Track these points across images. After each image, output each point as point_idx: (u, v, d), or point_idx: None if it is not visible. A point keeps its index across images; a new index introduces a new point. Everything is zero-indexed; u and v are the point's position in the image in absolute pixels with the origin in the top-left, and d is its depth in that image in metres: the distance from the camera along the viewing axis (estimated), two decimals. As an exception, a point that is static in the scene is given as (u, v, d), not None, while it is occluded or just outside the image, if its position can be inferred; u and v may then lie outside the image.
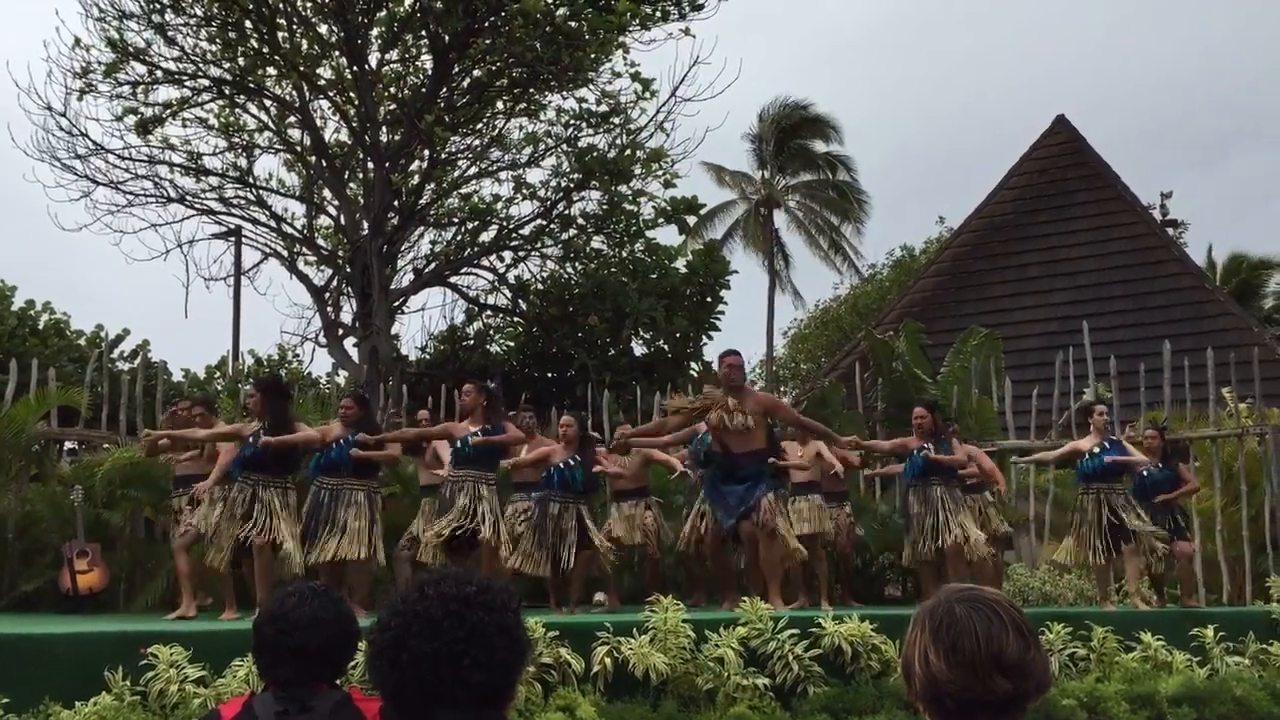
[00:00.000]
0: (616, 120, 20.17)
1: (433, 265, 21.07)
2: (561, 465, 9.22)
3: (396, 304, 20.44)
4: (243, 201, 20.77)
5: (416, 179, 20.23)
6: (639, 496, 10.46)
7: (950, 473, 9.86)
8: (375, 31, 20.17)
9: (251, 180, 20.75)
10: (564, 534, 9.05)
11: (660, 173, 20.07)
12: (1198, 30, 72.82)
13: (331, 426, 8.99)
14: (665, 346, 20.68)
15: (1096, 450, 10.31)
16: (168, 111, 19.92)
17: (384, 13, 19.81)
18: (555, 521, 9.08)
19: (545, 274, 21.47)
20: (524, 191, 20.83)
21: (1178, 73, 72.13)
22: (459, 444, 8.89)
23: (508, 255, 21.45)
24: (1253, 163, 62.26)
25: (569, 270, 21.21)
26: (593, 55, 19.33)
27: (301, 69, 19.52)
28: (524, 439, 9.58)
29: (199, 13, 19.37)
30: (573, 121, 20.40)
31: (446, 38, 19.58)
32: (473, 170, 20.95)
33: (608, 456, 10.05)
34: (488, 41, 19.39)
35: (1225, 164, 63.33)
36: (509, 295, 21.69)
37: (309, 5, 19.69)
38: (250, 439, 8.43)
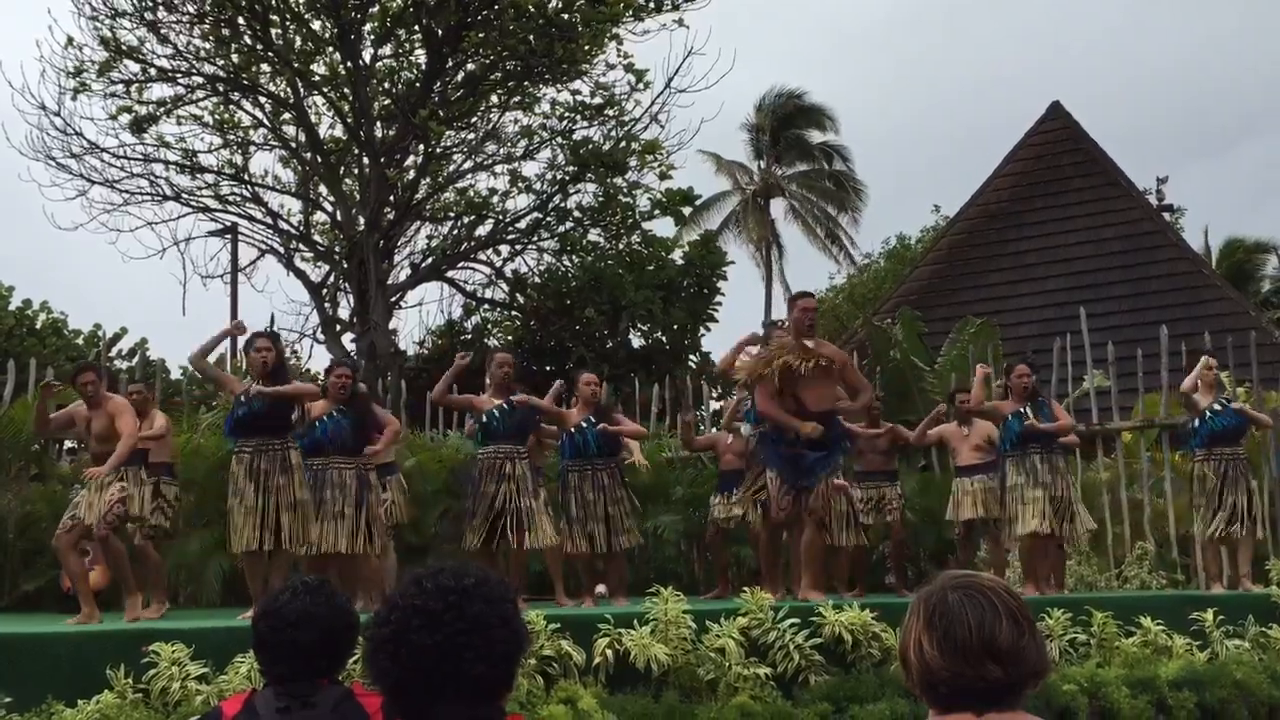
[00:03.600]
0: (611, 112, 20.17)
1: (429, 260, 21.07)
2: (573, 430, 8.66)
3: (394, 299, 20.45)
4: (238, 198, 20.78)
5: (412, 174, 20.23)
6: None
7: (1050, 438, 9.06)
8: (369, 27, 20.16)
9: (247, 177, 20.74)
10: (590, 504, 8.55)
11: (655, 164, 20.07)
12: (1199, 21, 72.77)
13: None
14: (663, 338, 20.70)
15: (1218, 408, 9.63)
16: (162, 109, 19.91)
17: (377, 8, 19.79)
18: (578, 493, 8.60)
19: (542, 267, 21.50)
20: (519, 185, 20.84)
21: (1179, 62, 72.09)
22: (485, 418, 8.31)
23: (504, 249, 21.48)
24: (1253, 152, 62.26)
25: (565, 263, 21.22)
26: (586, 47, 19.32)
27: (296, 65, 19.50)
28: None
29: (191, 10, 19.35)
30: (567, 114, 20.40)
31: (440, 32, 19.57)
32: (468, 164, 20.95)
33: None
34: (481, 35, 19.38)
35: (1227, 153, 63.34)
36: (506, 289, 21.71)
37: (302, 1, 19.66)
38: (242, 396, 7.49)
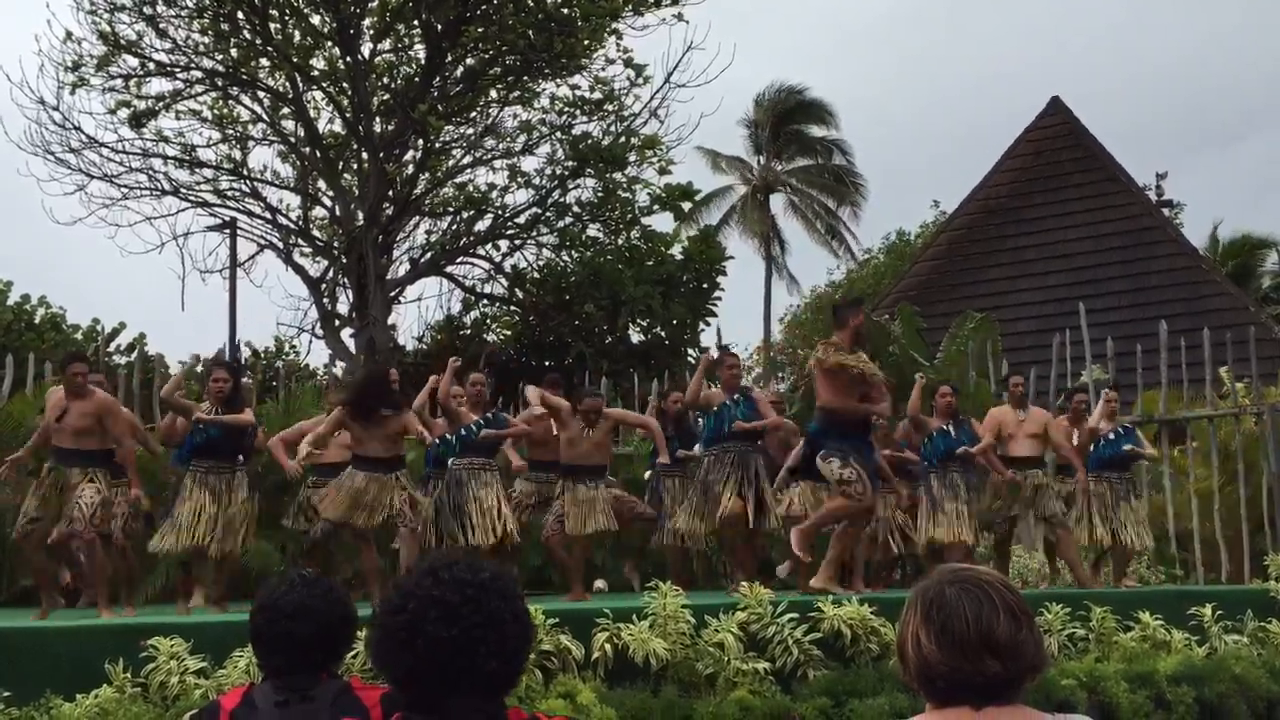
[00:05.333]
0: (610, 107, 20.16)
1: (428, 255, 21.06)
2: (463, 430, 8.79)
3: (393, 294, 20.44)
4: (237, 193, 20.78)
5: (411, 169, 20.22)
6: (597, 476, 9.12)
7: (969, 459, 9.56)
8: (368, 21, 20.14)
9: (246, 172, 20.73)
10: (467, 502, 8.53)
11: (655, 159, 20.07)
12: (1201, 17, 72.69)
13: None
14: (662, 333, 20.68)
15: (1112, 437, 10.26)
16: (161, 104, 19.89)
17: (376, 2, 19.76)
18: (458, 491, 8.60)
19: (541, 262, 21.49)
20: (519, 180, 20.83)
21: (1181, 58, 72.04)
22: (464, 431, 8.73)
23: (503, 244, 21.47)
24: (1255, 148, 62.22)
25: (565, 258, 21.20)
26: (585, 42, 19.30)
27: (294, 60, 19.48)
28: (528, 431, 9.35)
29: (190, 4, 19.33)
30: (566, 109, 20.38)
31: (439, 26, 19.55)
32: (467, 159, 20.95)
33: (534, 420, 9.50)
34: (480, 30, 19.36)
35: (1228, 149, 63.32)
36: (505, 284, 21.70)
37: (301, -5, 19.65)
38: (199, 424, 8.07)
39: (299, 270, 20.73)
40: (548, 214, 20.88)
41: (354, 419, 8.18)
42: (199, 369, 8.78)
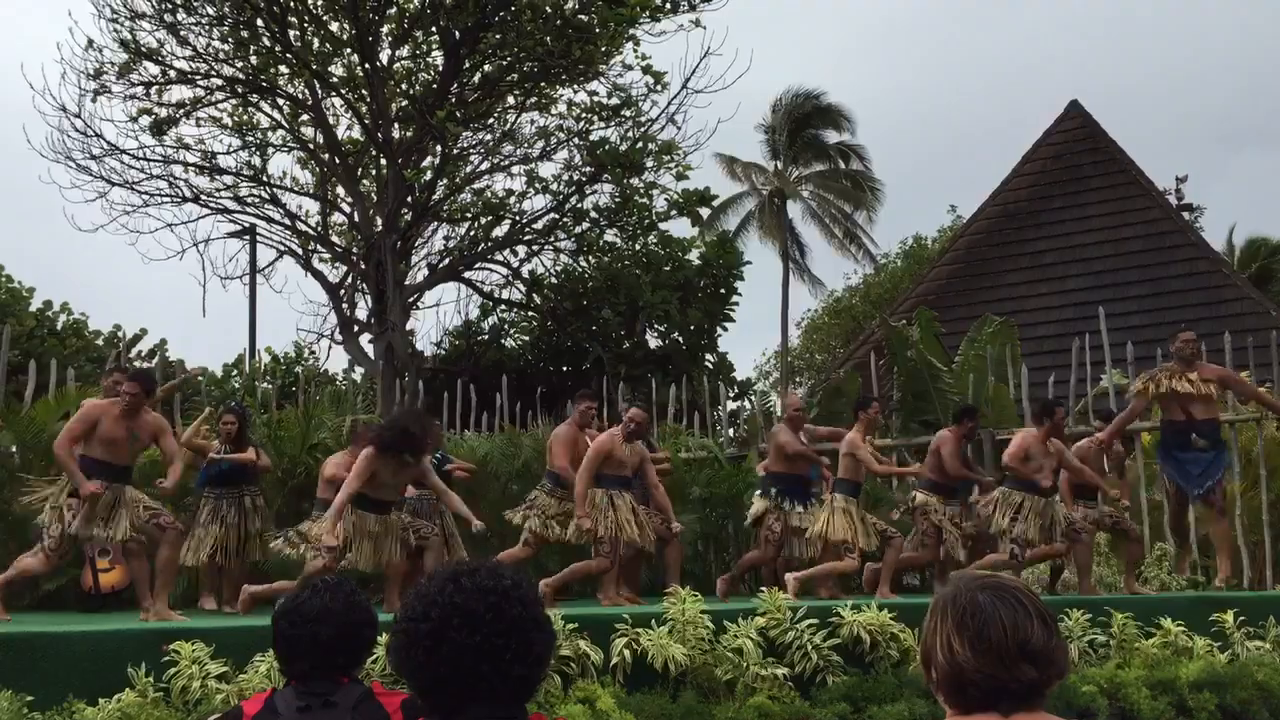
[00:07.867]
0: (628, 113, 20.17)
1: (446, 260, 21.10)
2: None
3: (411, 300, 20.48)
4: (257, 200, 20.85)
5: (429, 175, 20.26)
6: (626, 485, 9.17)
7: None
8: (386, 28, 20.21)
9: (266, 179, 20.82)
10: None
11: (672, 165, 20.06)
12: (1225, 18, 72.27)
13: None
14: (680, 339, 20.67)
15: None
16: (181, 111, 19.99)
17: (395, 9, 19.84)
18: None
19: (559, 268, 21.50)
20: (536, 185, 20.83)
21: (1201, 59, 71.61)
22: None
23: (521, 249, 21.47)
24: (1275, 151, 61.80)
25: (582, 264, 21.22)
26: (603, 48, 19.32)
27: (314, 67, 19.56)
28: (471, 468, 10.44)
29: (211, 12, 19.43)
30: (584, 115, 20.41)
31: (457, 33, 19.60)
32: (485, 165, 20.97)
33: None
34: (498, 36, 19.41)
35: (1249, 151, 62.91)
36: (523, 289, 21.72)
37: (320, 3, 19.74)
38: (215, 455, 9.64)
39: (318, 276, 20.81)
40: (565, 219, 20.90)
41: (385, 460, 8.05)
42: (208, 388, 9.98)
